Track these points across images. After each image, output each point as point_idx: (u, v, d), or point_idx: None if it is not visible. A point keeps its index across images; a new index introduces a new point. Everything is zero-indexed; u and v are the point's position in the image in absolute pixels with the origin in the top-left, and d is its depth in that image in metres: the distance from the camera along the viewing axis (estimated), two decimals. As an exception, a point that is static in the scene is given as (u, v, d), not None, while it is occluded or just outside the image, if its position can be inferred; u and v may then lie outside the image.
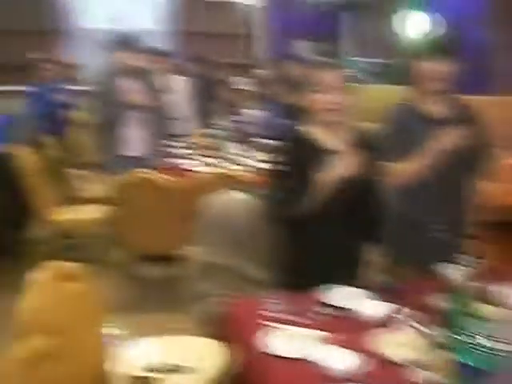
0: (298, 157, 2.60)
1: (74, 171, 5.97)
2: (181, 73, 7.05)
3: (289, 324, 2.11)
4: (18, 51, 9.31)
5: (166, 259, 4.47)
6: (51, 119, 6.16)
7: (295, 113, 5.46)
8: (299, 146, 2.65)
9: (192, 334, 2.48)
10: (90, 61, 9.58)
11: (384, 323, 2.12)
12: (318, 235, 2.60)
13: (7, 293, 4.49)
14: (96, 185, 5.68)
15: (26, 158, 4.81)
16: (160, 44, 8.92)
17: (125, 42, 4.75)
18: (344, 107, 2.59)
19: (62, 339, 1.71)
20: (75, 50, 9.64)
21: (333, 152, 2.53)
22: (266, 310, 2.20)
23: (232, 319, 2.25)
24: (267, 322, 2.11)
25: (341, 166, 2.46)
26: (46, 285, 1.84)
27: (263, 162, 4.87)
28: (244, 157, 5.09)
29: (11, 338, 3.58)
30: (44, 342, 1.60)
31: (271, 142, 5.58)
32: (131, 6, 9.65)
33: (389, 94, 6.31)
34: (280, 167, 2.66)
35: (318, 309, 2.22)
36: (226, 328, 2.27)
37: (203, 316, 2.60)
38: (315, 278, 2.39)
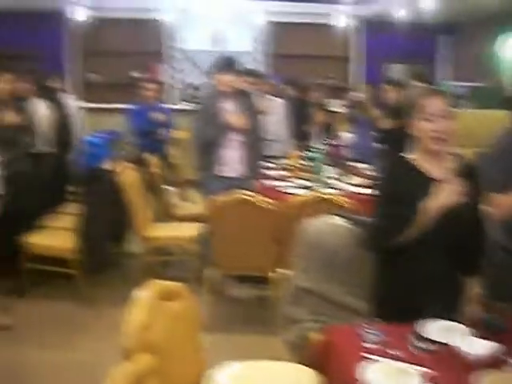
0: (402, 184, 2.55)
1: (171, 189, 6.11)
2: (277, 95, 7.12)
3: (387, 357, 2.06)
4: (124, 71, 9.74)
5: (258, 280, 4.49)
6: (151, 137, 6.33)
7: (393, 138, 5.42)
8: (402, 173, 2.61)
9: (282, 359, 2.47)
10: (191, 81, 9.86)
11: (489, 364, 2.03)
12: (418, 265, 2.54)
13: (105, 304, 4.68)
14: (192, 203, 5.81)
15: (127, 174, 4.97)
16: (257, 66, 9.06)
17: (227, 64, 4.83)
18: (450, 135, 2.53)
19: (165, 357, 1.74)
20: (176, 71, 9.92)
21: (437, 180, 2.48)
22: (364, 340, 2.16)
23: (327, 347, 2.22)
24: (365, 354, 2.07)
25: (445, 195, 2.40)
26: (150, 303, 1.88)
27: (359, 186, 4.83)
28: (339, 181, 5.06)
29: (113, 349, 3.68)
30: (149, 360, 1.63)
31: (367, 166, 5.54)
32: (230, 28, 9.83)
33: (488, 118, 6.17)
34: (382, 194, 2.62)
35: (416, 342, 2.15)
36: (320, 356, 2.24)
37: (295, 341, 2.58)
38: (413, 310, 2.33)
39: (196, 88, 9.58)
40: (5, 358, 3.58)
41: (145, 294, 1.90)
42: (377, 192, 2.67)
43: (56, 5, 9.43)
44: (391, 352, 2.08)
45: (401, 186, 2.54)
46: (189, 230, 5.03)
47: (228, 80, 4.74)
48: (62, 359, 3.90)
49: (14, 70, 4.91)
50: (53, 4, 9.36)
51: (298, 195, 4.51)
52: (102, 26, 9.73)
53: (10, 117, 4.78)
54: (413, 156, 2.63)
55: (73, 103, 6.95)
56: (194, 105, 5.52)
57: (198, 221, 5.01)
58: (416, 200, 2.43)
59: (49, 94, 6.03)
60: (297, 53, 9.89)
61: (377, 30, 9.74)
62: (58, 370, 3.77)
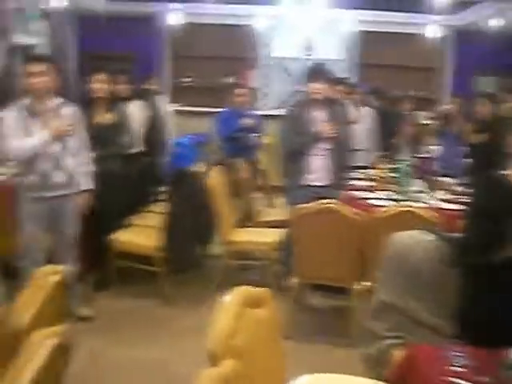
0: (495, 201, 2.48)
1: (256, 194, 6.15)
2: (365, 104, 7.07)
3: (472, 383, 2.00)
4: (214, 75, 9.92)
5: (337, 291, 4.46)
6: (239, 142, 6.39)
7: (483, 153, 5.28)
8: (496, 190, 2.54)
9: (358, 374, 2.44)
10: (281, 88, 9.93)
11: None
12: (508, 287, 2.46)
13: (185, 303, 4.77)
14: (276, 210, 5.83)
15: (214, 177, 5.05)
16: (346, 74, 9.02)
17: (319, 72, 4.82)
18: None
19: (249, 364, 1.76)
20: (266, 78, 10.00)
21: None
22: (450, 363, 2.10)
23: (409, 366, 2.17)
24: (452, 378, 2.01)
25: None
26: (236, 309, 1.90)
27: (446, 201, 4.72)
28: (426, 194, 4.96)
29: (190, 349, 3.73)
30: (235, 365, 1.65)
31: (454, 181, 5.40)
32: (320, 35, 9.82)
33: None
34: (475, 210, 2.55)
35: (507, 370, 2.08)
36: (401, 374, 2.19)
37: (374, 356, 2.54)
38: (501, 334, 2.25)
39: (285, 95, 9.63)
40: (84, 348, 3.70)
41: (231, 300, 1.92)
42: (469, 208, 2.61)
43: (151, 10, 9.73)
44: (480, 378, 2.02)
45: (494, 203, 2.48)
46: (271, 236, 5.05)
47: (319, 88, 4.73)
48: (138, 354, 4.00)
49: (110, 71, 5.07)
50: (149, 9, 9.67)
51: (383, 207, 4.46)
52: (195, 30, 9.95)
53: (106, 116, 4.94)
54: (507, 172, 2.55)
55: (165, 105, 7.12)
56: (283, 111, 5.52)
57: (281, 227, 5.03)
58: (510, 217, 2.36)
59: (143, 96, 6.21)
60: (385, 62, 9.78)
61: (468, 40, 9.48)
62: (134, 364, 3.87)
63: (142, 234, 4.95)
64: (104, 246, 4.82)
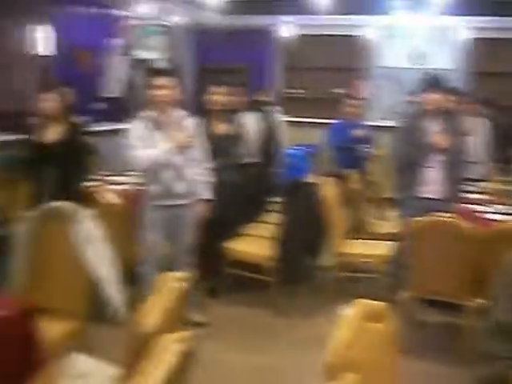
0: None
1: (369, 206, 6.12)
2: (479, 115, 6.85)
3: None
4: (325, 86, 9.96)
5: (451, 307, 4.36)
6: (351, 153, 6.38)
7: None
8: None
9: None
10: (389, 99, 9.81)
11: None
12: None
13: (296, 314, 4.82)
14: (389, 222, 5.77)
15: (326, 188, 5.08)
16: (457, 84, 8.77)
17: (433, 82, 4.74)
18: None
19: (366, 378, 1.78)
20: (377, 88, 9.92)
21: None
22: None
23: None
24: None
25: None
26: (356, 323, 1.93)
27: None
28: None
29: (299, 359, 3.76)
30: (354, 380, 1.68)
31: None
32: (431, 44, 9.63)
33: None
34: None
35: None
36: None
37: (490, 378, 2.49)
38: None
39: (396, 105, 9.50)
40: (198, 352, 3.80)
41: (351, 312, 1.95)
42: None
43: (265, 23, 9.93)
44: None
45: None
46: (382, 249, 5.02)
47: (434, 99, 4.65)
48: (249, 362, 4.07)
49: (227, 84, 5.22)
50: (262, 22, 9.88)
51: (500, 221, 4.33)
52: (307, 42, 10.04)
53: (223, 128, 5.09)
54: None
55: (278, 117, 7.23)
56: (394, 122, 5.47)
57: (392, 240, 4.98)
58: None
59: (258, 107, 6.35)
60: (500, 70, 9.39)
61: None
62: (244, 372, 3.94)
63: (255, 243, 5.05)
64: (218, 254, 4.96)
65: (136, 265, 4.41)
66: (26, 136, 4.91)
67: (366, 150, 6.54)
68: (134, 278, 4.28)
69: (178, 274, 2.56)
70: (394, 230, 5.02)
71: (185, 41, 10.23)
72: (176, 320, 2.44)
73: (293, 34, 10.11)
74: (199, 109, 5.20)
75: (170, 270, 3.27)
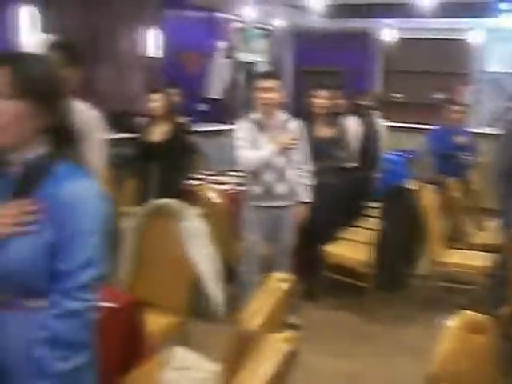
0: None
1: (469, 215, 5.99)
2: None
3: None
4: (426, 91, 9.82)
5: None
6: (452, 160, 6.25)
7: None
8: None
9: None
10: (491, 105, 9.55)
11: None
12: None
13: (390, 321, 4.79)
14: (488, 233, 5.62)
15: (426, 195, 5.03)
16: None
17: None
18: None
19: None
20: (480, 94, 9.68)
21: None
22: None
23: None
24: None
25: None
26: (460, 334, 1.92)
27: None
28: None
29: (394, 367, 3.74)
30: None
31: None
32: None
33: None
34: None
35: None
36: None
37: None
38: None
39: (498, 112, 9.23)
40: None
41: (456, 324, 1.95)
42: None
43: (365, 26, 9.90)
44: None
45: None
46: (480, 261, 4.91)
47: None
48: (341, 367, 4.08)
49: (329, 87, 5.25)
50: (362, 25, 9.85)
51: None
52: (407, 45, 9.92)
53: (325, 131, 5.13)
54: None
55: (378, 121, 7.20)
56: (494, 129, 5.31)
57: (491, 252, 4.86)
58: None
59: (360, 111, 6.35)
60: None
61: None
62: (336, 376, 3.97)
63: (352, 248, 5.06)
64: (315, 257, 5.00)
65: (235, 264, 4.52)
66: (135, 135, 5.17)
67: (468, 157, 6.39)
68: (232, 277, 4.39)
69: (283, 275, 2.58)
70: (494, 242, 4.89)
71: (285, 43, 10.35)
72: (279, 321, 2.50)
73: (394, 37, 10.02)
74: (299, 111, 5.26)
75: (269, 270, 3.34)
